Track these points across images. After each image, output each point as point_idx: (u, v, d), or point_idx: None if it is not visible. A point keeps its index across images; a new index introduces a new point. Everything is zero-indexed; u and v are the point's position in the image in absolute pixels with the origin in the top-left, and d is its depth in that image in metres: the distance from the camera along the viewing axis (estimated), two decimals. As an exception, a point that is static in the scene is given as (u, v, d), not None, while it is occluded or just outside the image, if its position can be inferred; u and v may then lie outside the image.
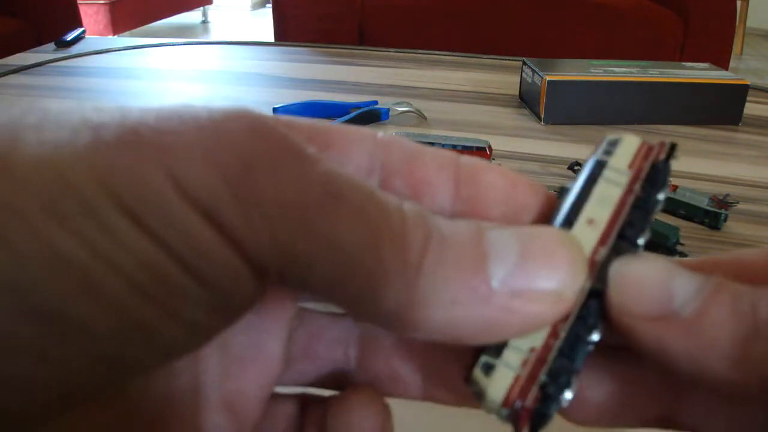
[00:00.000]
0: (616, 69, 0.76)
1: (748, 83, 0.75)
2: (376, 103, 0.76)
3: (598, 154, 0.16)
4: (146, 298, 0.12)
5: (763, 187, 0.60)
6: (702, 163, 0.65)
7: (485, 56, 1.05)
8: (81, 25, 1.60)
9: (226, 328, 0.14)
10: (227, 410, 0.17)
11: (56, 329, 0.11)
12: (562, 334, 0.15)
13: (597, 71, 0.75)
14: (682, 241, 0.48)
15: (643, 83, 0.73)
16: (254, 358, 0.17)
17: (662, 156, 0.16)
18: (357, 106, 0.75)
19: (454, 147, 0.62)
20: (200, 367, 0.16)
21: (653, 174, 0.16)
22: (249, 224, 0.12)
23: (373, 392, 0.17)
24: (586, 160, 0.17)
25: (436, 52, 1.07)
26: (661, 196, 0.16)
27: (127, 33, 3.24)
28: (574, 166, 0.59)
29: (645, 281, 0.14)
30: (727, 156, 0.67)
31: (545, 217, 0.16)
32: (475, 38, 1.50)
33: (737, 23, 2.22)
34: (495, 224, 0.15)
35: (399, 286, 0.13)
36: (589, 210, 0.16)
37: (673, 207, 0.53)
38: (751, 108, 0.78)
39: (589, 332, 0.15)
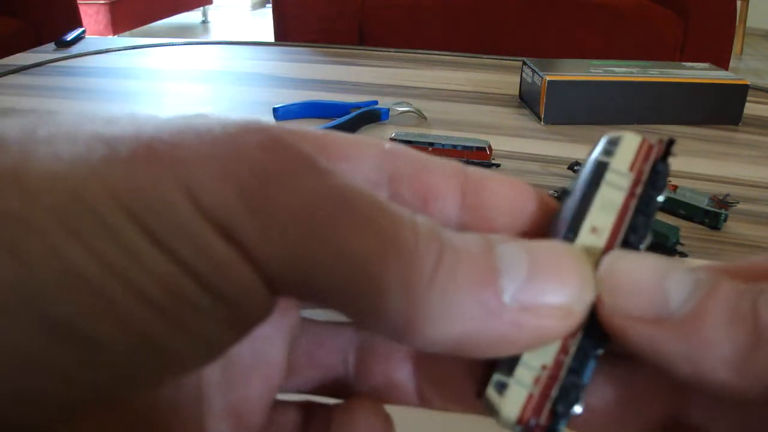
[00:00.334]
0: (616, 69, 0.76)
1: (748, 83, 0.75)
2: (376, 103, 0.76)
3: (599, 155, 0.16)
4: (160, 313, 0.12)
5: (763, 187, 0.60)
6: (702, 163, 0.65)
7: (485, 56, 1.05)
8: (81, 25, 1.61)
9: (238, 342, 0.14)
10: (232, 417, 0.17)
11: (68, 344, 0.11)
12: (572, 350, 0.15)
13: (597, 71, 0.75)
14: (682, 241, 0.48)
15: (643, 83, 0.73)
16: (258, 365, 0.17)
17: (660, 154, 0.16)
18: (357, 106, 0.75)
19: (454, 147, 0.62)
20: (205, 375, 0.16)
21: (653, 176, 0.16)
22: (265, 238, 0.12)
23: (376, 403, 0.17)
24: (585, 160, 0.16)
25: (436, 52, 1.07)
26: (661, 198, 0.15)
27: (127, 33, 3.24)
28: (574, 166, 0.59)
29: (638, 281, 0.14)
30: (727, 156, 0.67)
31: (548, 222, 0.16)
32: (475, 38, 1.50)
33: (737, 23, 2.22)
34: (503, 237, 0.15)
35: (410, 300, 0.13)
36: (592, 217, 0.15)
37: (673, 207, 0.53)
38: (751, 108, 0.78)
39: (596, 346, 0.15)
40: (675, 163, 0.16)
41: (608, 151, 0.16)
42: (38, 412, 0.12)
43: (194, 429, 0.16)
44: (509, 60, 1.03)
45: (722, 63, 1.50)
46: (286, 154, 0.13)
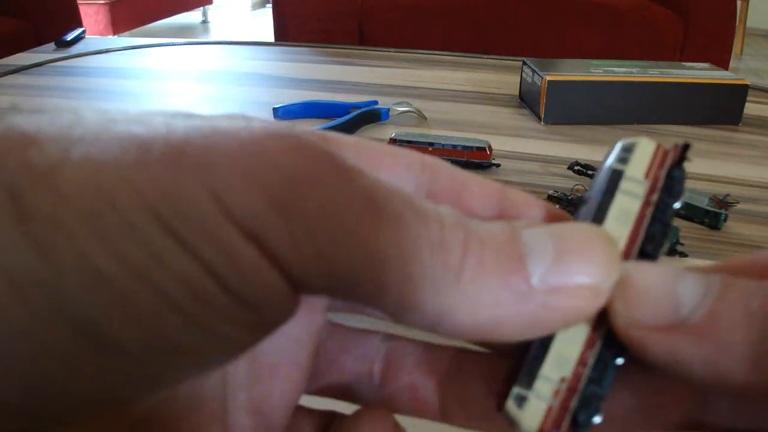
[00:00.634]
0: (616, 69, 0.76)
1: (748, 83, 0.75)
2: (376, 103, 0.76)
3: (613, 162, 0.16)
4: (183, 317, 0.12)
5: (763, 187, 0.60)
6: (702, 163, 0.65)
7: (485, 56, 1.05)
8: (81, 25, 1.60)
9: (258, 343, 0.14)
10: (255, 414, 0.17)
11: (91, 343, 0.12)
12: (591, 361, 0.15)
13: (597, 71, 0.75)
14: (682, 241, 0.48)
15: (643, 83, 0.73)
16: (283, 365, 0.17)
17: (676, 159, 0.16)
18: (357, 106, 0.75)
19: (454, 147, 0.62)
20: (230, 370, 0.17)
21: (669, 182, 0.15)
22: (293, 243, 0.12)
23: (385, 411, 0.17)
24: (600, 166, 0.16)
25: (436, 52, 1.07)
26: (678, 205, 0.15)
27: (127, 33, 3.24)
28: (574, 166, 0.59)
29: (649, 290, 0.14)
30: (727, 156, 0.67)
31: None
32: (475, 38, 1.50)
33: (737, 23, 2.22)
34: (527, 222, 0.15)
35: (441, 291, 0.13)
36: (608, 227, 0.15)
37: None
38: (751, 108, 0.78)
39: (616, 356, 0.15)
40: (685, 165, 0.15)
41: (623, 159, 0.16)
42: (56, 406, 0.12)
43: (217, 421, 0.16)
44: (509, 60, 1.03)
45: (722, 63, 1.50)
46: (313, 158, 0.13)
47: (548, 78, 0.73)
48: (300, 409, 0.18)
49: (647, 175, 0.16)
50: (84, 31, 1.12)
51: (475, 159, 0.62)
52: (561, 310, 0.14)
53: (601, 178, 0.16)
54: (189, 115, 0.14)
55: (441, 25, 1.51)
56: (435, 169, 0.17)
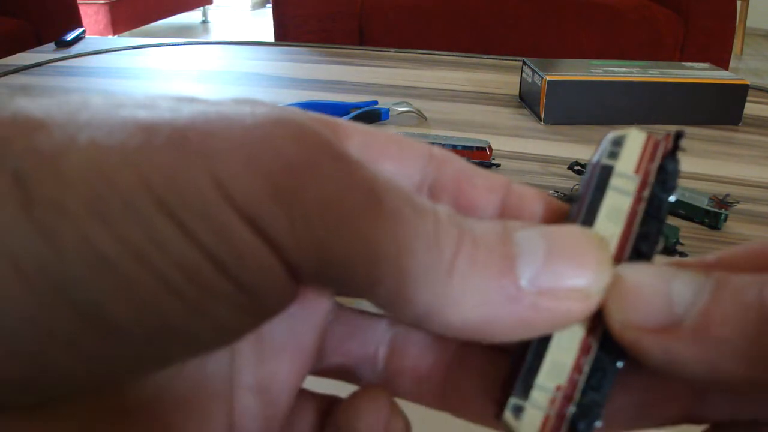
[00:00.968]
0: (616, 69, 0.76)
1: (748, 83, 0.75)
2: (376, 103, 0.76)
3: (603, 157, 0.15)
4: (182, 300, 0.12)
5: (763, 187, 0.60)
6: (702, 163, 0.65)
7: (485, 56, 1.05)
8: (81, 25, 1.60)
9: (257, 328, 0.14)
10: (260, 393, 0.17)
11: (92, 326, 0.12)
12: (586, 369, 0.15)
13: (597, 71, 0.75)
14: (682, 241, 0.48)
15: (643, 83, 0.73)
16: (288, 346, 0.17)
17: (668, 150, 0.15)
18: (357, 106, 0.75)
19: (454, 147, 0.62)
20: (236, 349, 0.17)
21: (662, 175, 0.15)
22: (292, 230, 0.13)
23: (384, 391, 0.17)
24: (589, 162, 0.16)
25: (436, 52, 1.07)
26: (673, 198, 0.15)
27: (127, 33, 3.24)
28: (574, 166, 0.59)
29: (642, 290, 0.14)
30: (727, 156, 0.67)
31: None
32: (475, 38, 1.50)
33: (737, 23, 2.22)
34: (520, 223, 0.15)
35: (432, 286, 0.14)
36: (598, 227, 0.15)
37: (673, 207, 0.53)
38: (751, 108, 0.78)
39: (615, 361, 0.15)
40: (682, 156, 0.15)
41: (612, 153, 0.15)
42: (61, 385, 0.13)
43: (222, 401, 0.16)
44: (509, 60, 1.03)
45: (722, 63, 1.50)
46: (315, 147, 0.13)
47: (548, 78, 0.73)
48: (303, 392, 0.18)
49: (637, 169, 0.15)
50: (84, 31, 1.12)
51: (475, 159, 0.62)
52: (550, 312, 0.14)
53: (592, 175, 0.16)
54: (195, 100, 0.14)
55: (441, 25, 1.51)
56: (442, 161, 0.17)
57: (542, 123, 0.74)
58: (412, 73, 0.94)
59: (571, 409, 0.15)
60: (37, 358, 0.12)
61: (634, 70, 0.76)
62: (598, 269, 0.14)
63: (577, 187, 0.55)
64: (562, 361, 0.15)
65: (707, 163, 0.65)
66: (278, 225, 0.12)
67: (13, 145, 0.12)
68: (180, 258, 0.12)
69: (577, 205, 0.16)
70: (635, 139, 0.15)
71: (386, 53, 1.06)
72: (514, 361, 0.15)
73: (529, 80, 0.78)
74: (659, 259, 0.15)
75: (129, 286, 0.12)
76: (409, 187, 0.16)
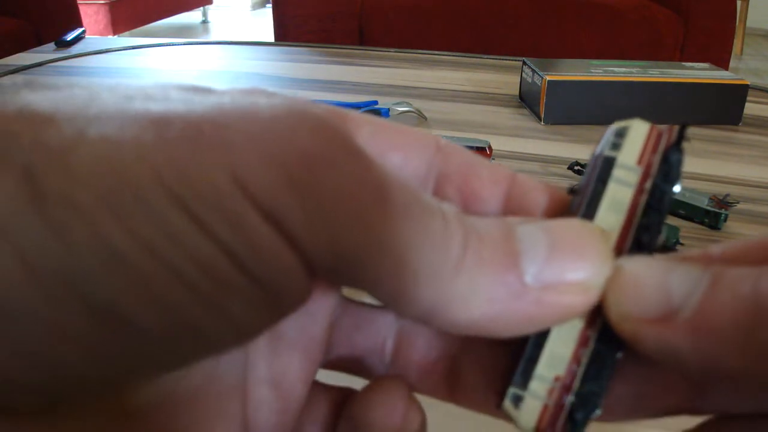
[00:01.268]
0: (616, 69, 0.76)
1: (748, 83, 0.75)
2: (376, 103, 0.76)
3: (605, 148, 0.15)
4: (198, 296, 0.12)
5: (763, 187, 0.60)
6: (702, 163, 0.65)
7: (485, 56, 1.05)
8: (81, 25, 1.60)
9: (271, 327, 0.14)
10: (274, 386, 0.17)
11: (103, 323, 0.11)
12: (584, 360, 0.15)
13: (597, 71, 0.75)
14: (682, 241, 0.48)
15: (643, 83, 0.73)
16: (300, 339, 0.17)
17: (672, 141, 0.15)
18: (357, 106, 0.75)
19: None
20: (251, 342, 0.17)
21: (665, 166, 0.15)
22: (308, 223, 0.12)
23: (401, 382, 0.17)
24: (591, 156, 0.16)
25: (436, 52, 1.07)
26: (677, 189, 0.15)
27: (127, 33, 3.24)
28: (574, 166, 0.59)
29: (640, 282, 0.14)
30: (727, 156, 0.67)
31: None
32: (475, 38, 1.50)
33: (737, 23, 2.22)
34: (521, 219, 0.15)
35: (439, 284, 0.14)
36: (600, 218, 0.15)
37: (673, 207, 0.53)
38: (751, 108, 0.78)
39: (614, 351, 0.15)
40: (686, 147, 0.15)
41: (615, 144, 0.15)
42: (73, 387, 0.12)
43: (237, 393, 0.16)
44: (509, 60, 1.03)
45: (722, 63, 1.50)
46: (334, 141, 0.13)
47: (548, 78, 0.73)
48: (316, 385, 0.18)
49: (640, 161, 0.15)
50: (84, 31, 1.12)
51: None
52: (554, 306, 0.14)
53: (594, 167, 0.16)
54: (207, 91, 0.14)
55: (441, 25, 1.51)
56: (448, 152, 0.17)
57: (542, 123, 0.74)
58: (412, 73, 0.94)
59: (570, 398, 0.15)
60: (46, 357, 0.11)
61: (634, 70, 0.76)
62: (599, 263, 0.14)
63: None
64: (560, 352, 0.15)
65: (707, 163, 0.65)
66: (294, 217, 0.12)
67: (22, 140, 0.11)
68: (194, 251, 0.12)
69: (579, 197, 0.16)
70: (638, 129, 0.15)
71: (386, 53, 1.06)
72: (514, 352, 0.16)
73: (529, 80, 0.78)
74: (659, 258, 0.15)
75: (142, 282, 0.11)
76: (416, 183, 0.17)
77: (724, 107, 0.75)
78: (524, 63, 0.80)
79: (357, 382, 0.19)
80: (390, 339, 0.18)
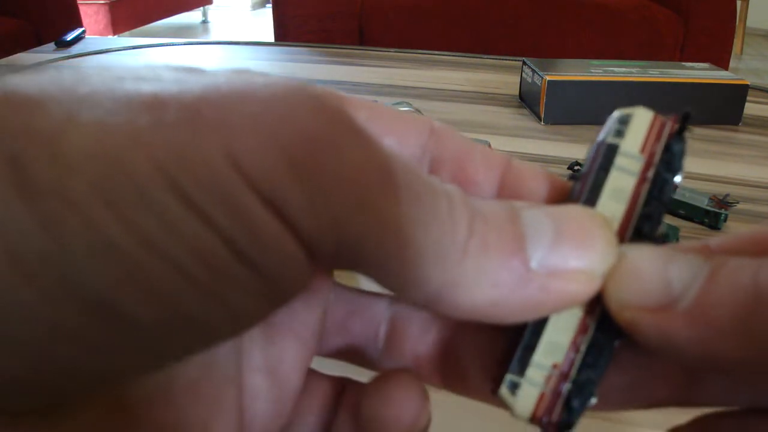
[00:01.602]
0: (616, 69, 0.76)
1: (748, 83, 0.75)
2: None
3: (608, 136, 0.15)
4: (196, 287, 0.11)
5: (763, 187, 0.60)
6: (702, 163, 0.65)
7: (485, 56, 1.05)
8: (81, 25, 1.60)
9: (271, 314, 0.14)
10: (269, 375, 0.17)
11: (102, 319, 0.11)
12: (582, 348, 0.15)
13: (597, 71, 0.75)
14: (682, 241, 0.48)
15: (643, 83, 0.73)
16: (293, 327, 0.17)
17: (675, 130, 0.15)
18: (357, 106, 0.75)
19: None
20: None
21: (667, 156, 0.15)
22: (311, 209, 0.12)
23: (413, 375, 0.17)
24: (594, 142, 0.16)
25: (436, 52, 1.07)
26: (678, 179, 0.15)
27: (127, 33, 3.24)
28: (574, 167, 0.59)
29: (640, 271, 0.14)
30: (727, 156, 0.67)
31: None
32: (475, 38, 1.50)
33: (737, 23, 2.22)
34: (526, 203, 0.15)
35: (445, 267, 0.13)
36: (602, 206, 0.15)
37: (673, 207, 0.53)
38: (751, 108, 0.78)
39: (612, 339, 0.15)
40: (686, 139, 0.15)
41: (618, 131, 0.15)
42: (71, 384, 0.12)
43: (232, 382, 0.16)
44: (509, 60, 1.03)
45: (722, 63, 1.50)
46: (335, 122, 0.13)
47: (548, 78, 0.73)
48: (313, 373, 0.18)
49: (643, 149, 0.15)
50: (84, 31, 1.12)
51: (475, 159, 0.62)
52: (558, 293, 0.14)
53: (597, 153, 0.15)
54: (200, 71, 0.13)
55: (441, 25, 1.51)
56: (443, 136, 0.17)
57: (542, 123, 0.74)
58: (411, 73, 0.94)
59: (567, 386, 0.15)
60: (42, 356, 0.11)
61: (634, 70, 0.76)
62: (604, 251, 0.14)
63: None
64: (559, 339, 0.15)
65: (707, 163, 0.65)
66: (296, 203, 0.12)
67: (8, 126, 0.11)
68: (193, 241, 0.11)
69: (579, 184, 0.16)
70: (642, 117, 0.15)
71: (386, 53, 1.06)
72: (512, 339, 0.16)
73: (529, 80, 0.78)
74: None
75: (139, 274, 0.11)
76: (417, 164, 0.16)
77: (724, 107, 0.75)
78: (524, 63, 0.80)
79: (352, 371, 0.18)
80: (383, 325, 0.18)
